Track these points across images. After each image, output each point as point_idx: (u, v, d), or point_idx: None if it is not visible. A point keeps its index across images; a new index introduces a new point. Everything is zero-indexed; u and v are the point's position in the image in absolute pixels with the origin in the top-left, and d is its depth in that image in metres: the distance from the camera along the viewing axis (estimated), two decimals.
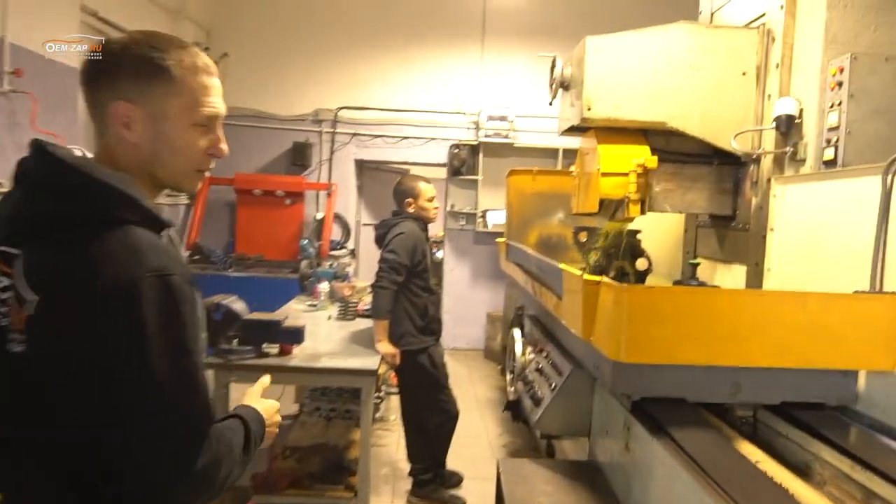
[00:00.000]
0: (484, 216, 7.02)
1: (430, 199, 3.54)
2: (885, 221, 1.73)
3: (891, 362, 1.66)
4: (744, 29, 2.73)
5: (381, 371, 3.21)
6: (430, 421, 3.33)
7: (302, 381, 3.00)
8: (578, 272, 2.20)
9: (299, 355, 2.86)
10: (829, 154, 2.20)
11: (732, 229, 2.85)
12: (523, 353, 3.24)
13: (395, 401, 4.21)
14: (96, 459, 0.99)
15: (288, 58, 7.06)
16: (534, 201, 4.85)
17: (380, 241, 3.48)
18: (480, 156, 6.93)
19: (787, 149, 2.43)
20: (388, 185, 8.01)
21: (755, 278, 2.58)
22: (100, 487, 1.00)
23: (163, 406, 0.98)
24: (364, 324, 3.61)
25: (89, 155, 1.18)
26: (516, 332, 3.40)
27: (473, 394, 5.49)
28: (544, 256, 2.95)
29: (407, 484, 3.55)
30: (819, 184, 2.25)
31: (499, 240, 4.92)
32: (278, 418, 1.34)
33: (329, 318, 3.55)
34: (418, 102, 7.06)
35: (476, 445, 4.22)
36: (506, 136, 6.82)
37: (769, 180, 2.54)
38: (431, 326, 3.37)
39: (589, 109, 2.82)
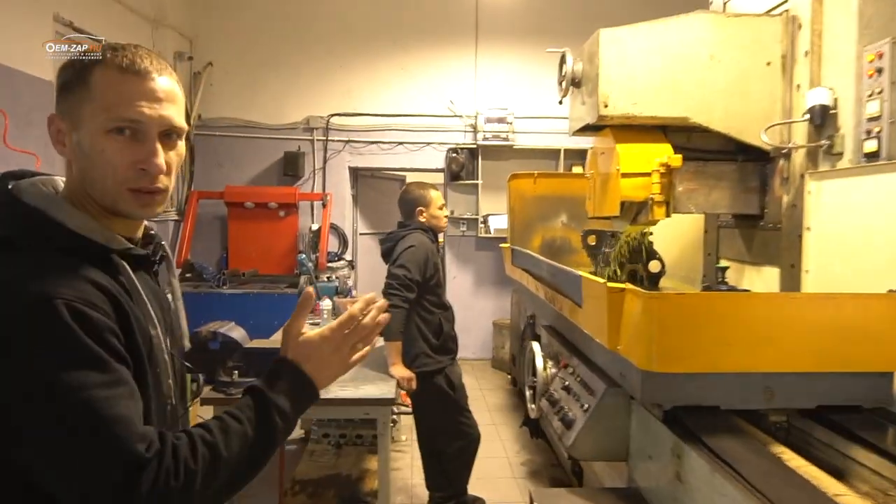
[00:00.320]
0: (486, 221, 6.84)
1: (441, 207, 3.34)
2: None
3: None
4: (766, 17, 2.60)
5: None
6: (450, 446, 3.11)
7: (312, 414, 2.77)
8: (601, 280, 2.05)
9: None
10: (870, 146, 2.08)
11: (761, 229, 2.72)
12: (544, 368, 3.06)
13: (405, 420, 4.02)
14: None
15: (275, 65, 6.87)
16: (536, 205, 4.72)
17: (387, 255, 3.25)
18: (479, 159, 6.76)
19: (823, 142, 2.29)
20: (384, 192, 7.91)
21: (791, 280, 2.44)
22: None
23: (70, 444, 0.86)
24: None
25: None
26: (535, 346, 3.22)
27: (486, 407, 5.29)
28: (556, 262, 2.79)
29: None
30: (860, 178, 2.13)
31: (503, 245, 4.78)
32: (346, 350, 1.10)
33: None
34: (412, 107, 6.88)
35: (495, 465, 4.03)
36: (505, 139, 6.65)
37: (802, 176, 2.41)
38: (447, 345, 3.15)
39: (605, 106, 2.69)
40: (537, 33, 6.76)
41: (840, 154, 2.24)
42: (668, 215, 2.61)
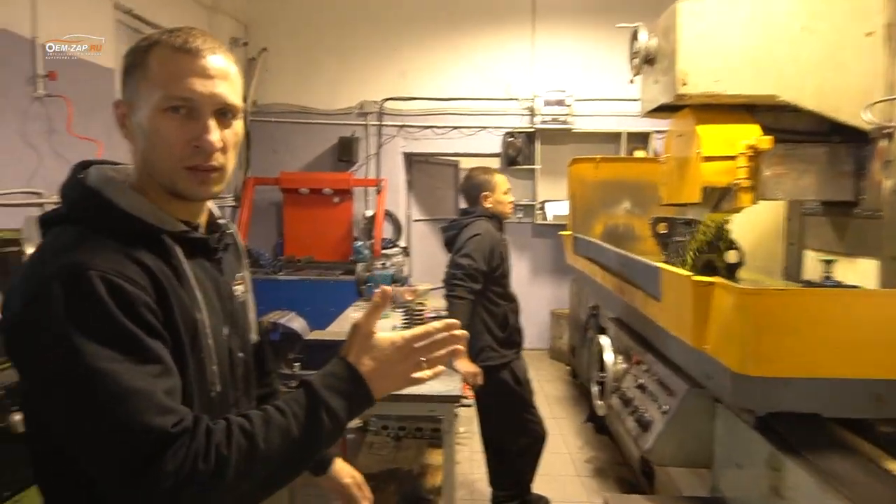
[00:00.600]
0: (543, 207, 6.66)
1: (507, 192, 3.19)
2: None
3: None
4: None
5: None
6: (515, 444, 2.99)
7: (374, 410, 2.66)
8: (685, 272, 1.90)
9: None
10: None
11: (856, 217, 2.52)
12: (614, 364, 2.92)
13: (464, 411, 3.91)
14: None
15: (329, 50, 6.81)
16: (598, 191, 4.55)
17: (449, 243, 3.11)
18: (537, 143, 6.56)
19: None
20: (437, 178, 7.80)
21: (893, 274, 2.24)
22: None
23: (89, 415, 0.85)
24: None
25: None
26: (604, 340, 3.07)
27: (545, 400, 5.13)
28: (628, 252, 2.63)
29: None
30: None
31: (563, 232, 4.63)
32: (417, 359, 1.02)
33: (394, 328, 3.25)
34: (468, 90, 6.72)
35: (557, 461, 3.88)
36: (563, 122, 6.43)
37: None
38: (513, 338, 3.01)
39: (684, 85, 2.52)
40: (599, 11, 6.50)
41: None
42: (754, 202, 2.43)
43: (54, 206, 1.02)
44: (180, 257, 1.00)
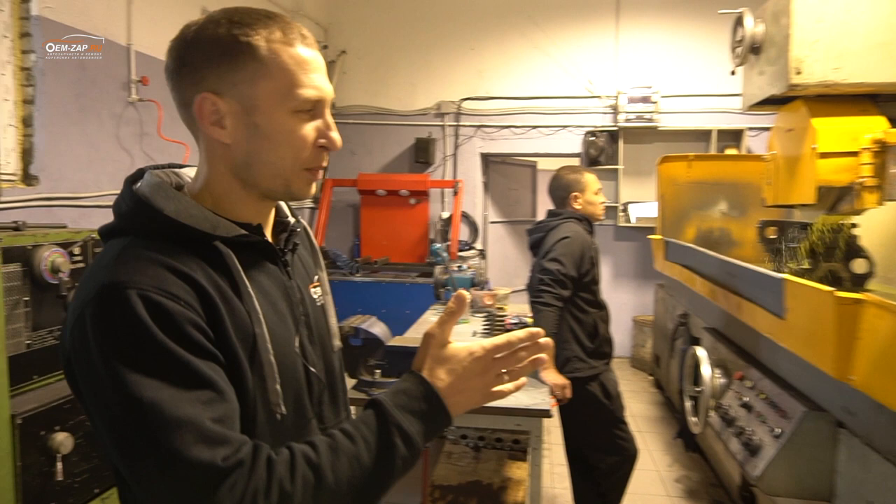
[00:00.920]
0: (626, 209, 6.39)
1: (597, 192, 3.01)
2: None
3: None
4: None
5: None
6: (603, 462, 2.80)
7: (459, 422, 2.54)
8: (824, 286, 1.68)
9: None
10: None
11: None
12: (712, 378, 2.70)
13: (545, 421, 3.75)
14: None
15: (407, 51, 6.78)
16: (690, 191, 4.30)
17: (535, 247, 2.94)
18: (620, 142, 6.30)
19: None
20: (514, 179, 7.65)
21: None
22: None
23: (134, 451, 0.76)
24: None
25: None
26: (701, 352, 2.85)
27: (629, 412, 4.88)
28: (739, 260, 2.40)
29: None
30: None
31: (652, 236, 4.40)
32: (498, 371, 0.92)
33: (474, 334, 3.13)
34: (547, 88, 6.54)
35: (645, 479, 3.65)
36: (649, 119, 6.14)
37: None
38: (602, 348, 2.82)
39: (798, 74, 2.30)
40: (687, 1, 6.19)
41: None
42: (880, 203, 2.18)
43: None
44: (236, 264, 0.89)
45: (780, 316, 1.89)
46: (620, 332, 6.44)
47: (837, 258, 2.29)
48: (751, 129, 6.05)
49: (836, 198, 2.39)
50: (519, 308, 4.05)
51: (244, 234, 0.92)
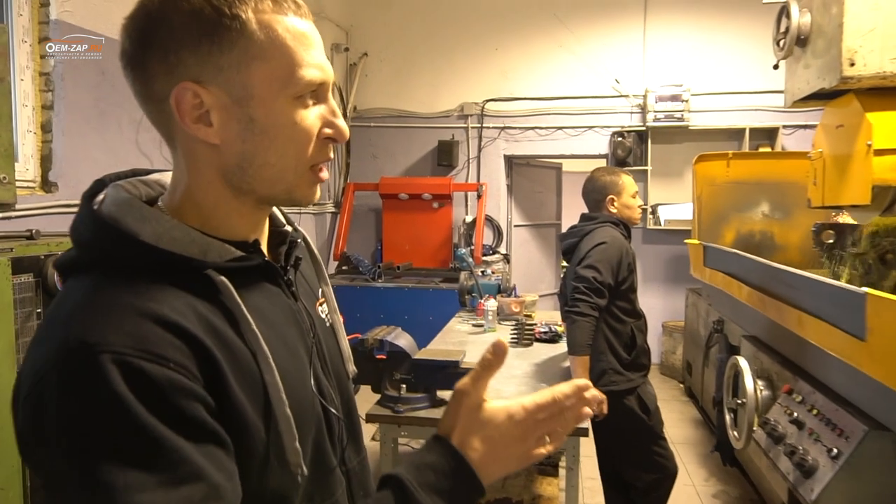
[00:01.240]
0: (654, 211, 6.23)
1: (634, 195, 2.87)
2: None
3: None
4: None
5: None
6: (640, 480, 2.66)
7: None
8: None
9: None
10: None
11: None
12: (755, 391, 2.55)
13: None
14: None
15: (429, 52, 6.68)
16: (729, 192, 4.11)
17: (569, 252, 2.81)
18: (649, 142, 6.13)
19: None
20: (538, 181, 7.50)
21: None
22: None
23: None
24: (544, 351, 2.97)
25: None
26: (743, 363, 2.70)
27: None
28: (797, 270, 2.24)
29: None
30: None
31: (689, 241, 4.23)
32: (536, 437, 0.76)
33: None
34: (573, 88, 6.40)
35: (682, 495, 3.49)
36: (679, 119, 5.97)
37: None
38: (639, 360, 2.67)
39: (851, 65, 2.14)
40: None
41: None
42: None
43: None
44: (234, 298, 0.72)
45: (859, 337, 1.71)
46: (650, 338, 6.26)
47: None
48: (785, 126, 5.85)
49: (893, 198, 2.24)
50: (547, 315, 3.92)
51: (241, 257, 0.76)
